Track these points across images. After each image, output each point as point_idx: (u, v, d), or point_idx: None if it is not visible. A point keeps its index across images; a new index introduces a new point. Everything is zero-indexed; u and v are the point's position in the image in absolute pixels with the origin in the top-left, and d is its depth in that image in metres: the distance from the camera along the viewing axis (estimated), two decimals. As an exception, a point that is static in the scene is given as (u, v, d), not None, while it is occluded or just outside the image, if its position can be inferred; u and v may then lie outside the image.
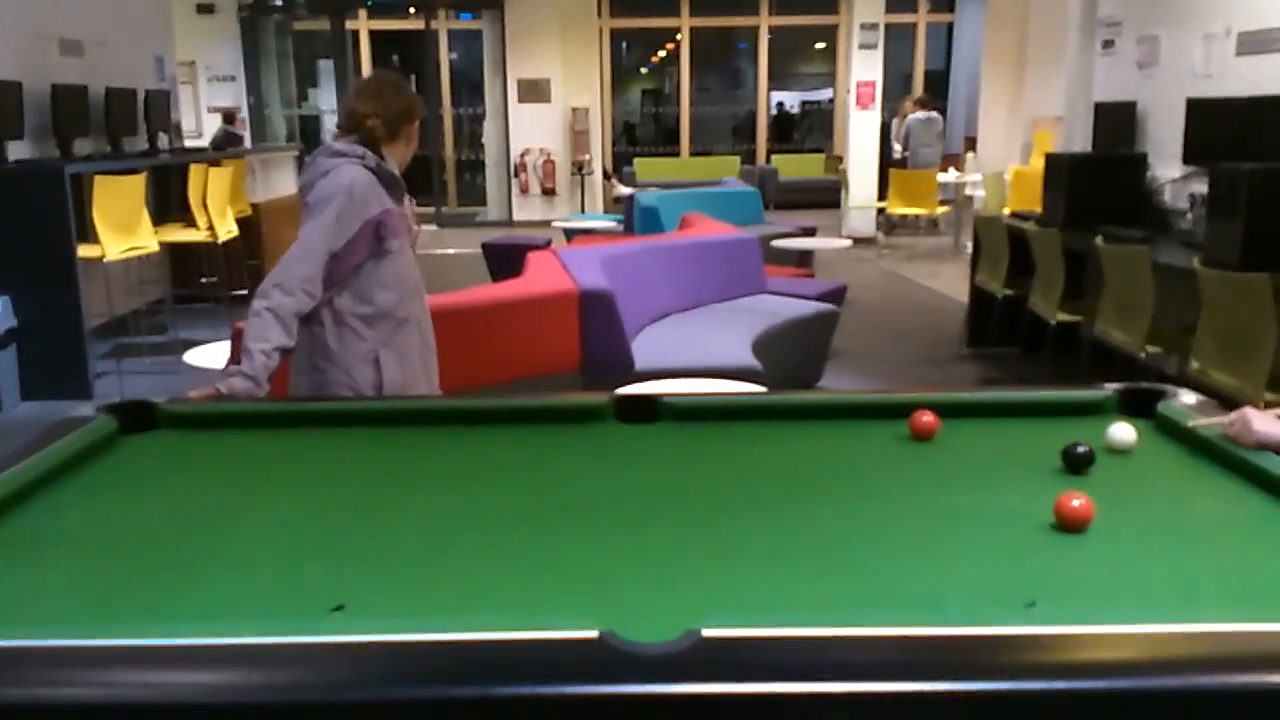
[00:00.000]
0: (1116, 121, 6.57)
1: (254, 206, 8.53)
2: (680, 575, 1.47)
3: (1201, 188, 5.34)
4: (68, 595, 1.43)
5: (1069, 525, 1.58)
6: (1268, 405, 3.89)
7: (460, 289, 4.56)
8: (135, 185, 6.51)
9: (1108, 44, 6.79)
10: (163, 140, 8.03)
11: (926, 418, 2.06)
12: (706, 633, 1.19)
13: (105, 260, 6.06)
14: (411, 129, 2.72)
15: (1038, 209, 6.41)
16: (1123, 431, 1.97)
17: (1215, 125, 5.59)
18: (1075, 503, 1.59)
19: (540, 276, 4.50)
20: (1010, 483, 1.84)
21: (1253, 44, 5.50)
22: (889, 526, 1.65)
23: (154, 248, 6.56)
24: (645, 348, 4.60)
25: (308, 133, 15.67)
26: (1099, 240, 5.16)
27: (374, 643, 1.20)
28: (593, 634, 1.19)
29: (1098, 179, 5.95)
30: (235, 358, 2.67)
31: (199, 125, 12.96)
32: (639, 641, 1.18)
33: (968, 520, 1.66)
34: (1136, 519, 1.65)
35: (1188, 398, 2.15)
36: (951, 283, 8.89)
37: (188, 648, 1.20)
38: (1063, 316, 5.54)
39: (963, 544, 1.57)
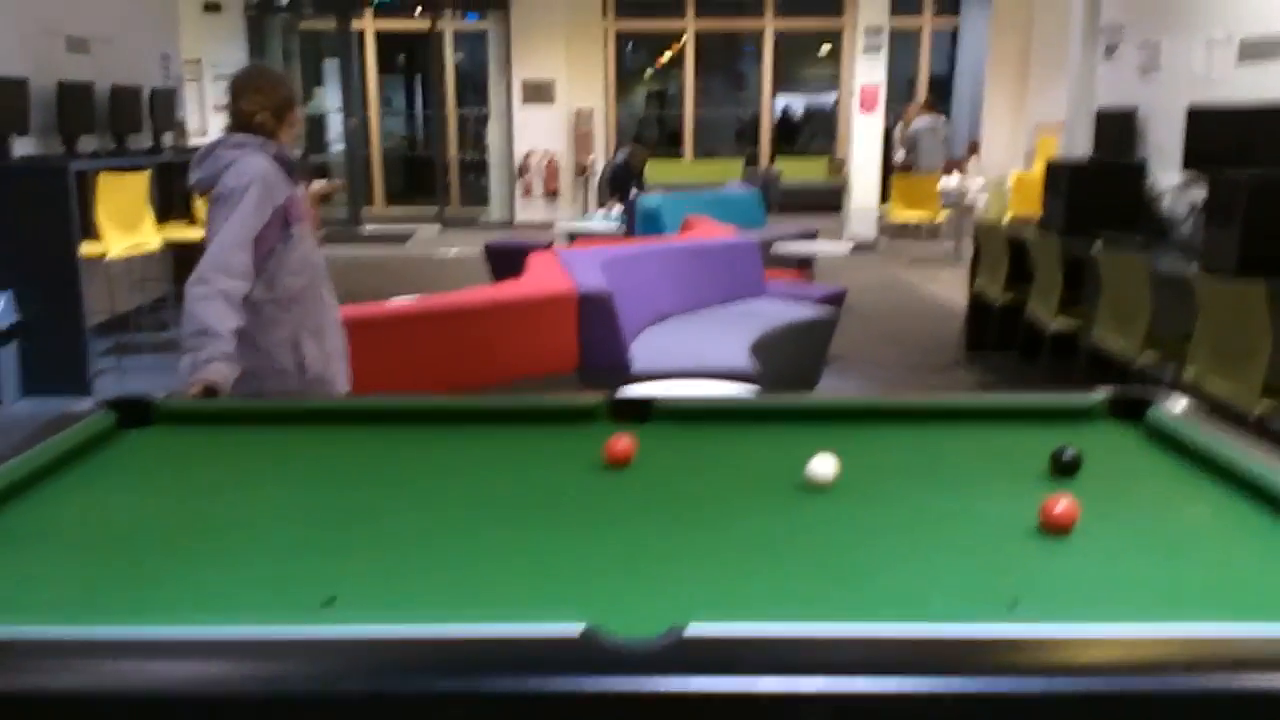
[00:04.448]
0: (1118, 128, 6.59)
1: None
2: (666, 573, 1.48)
3: (1200, 195, 5.35)
4: (61, 587, 1.45)
5: (1054, 528, 1.60)
6: (1261, 412, 3.90)
7: (462, 289, 4.59)
8: (139, 183, 6.54)
9: (1110, 50, 6.81)
10: (167, 138, 8.06)
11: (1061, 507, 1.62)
12: (691, 630, 1.21)
13: (108, 257, 6.08)
14: (294, 115, 2.84)
15: (1039, 215, 6.42)
16: (821, 465, 1.81)
17: (1215, 132, 5.61)
18: (1061, 506, 1.60)
19: (540, 278, 4.53)
20: (998, 486, 1.85)
21: (1255, 51, 5.51)
22: (876, 527, 1.66)
23: (156, 245, 6.58)
24: (644, 350, 4.61)
25: (313, 132, 15.70)
26: (1098, 247, 5.17)
27: (363, 637, 1.22)
28: (578, 630, 1.21)
29: (1098, 186, 5.97)
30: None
31: (204, 123, 12.99)
32: (624, 638, 1.20)
33: (954, 522, 1.68)
34: (1122, 522, 1.67)
35: (1178, 404, 2.16)
36: (951, 288, 8.89)
37: (177, 639, 1.22)
38: (1060, 323, 5.55)
39: (948, 545, 1.59)
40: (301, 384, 2.79)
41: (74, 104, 6.59)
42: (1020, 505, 1.69)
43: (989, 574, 1.48)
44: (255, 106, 2.75)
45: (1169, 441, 2.02)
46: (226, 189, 2.64)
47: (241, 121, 2.76)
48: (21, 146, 6.09)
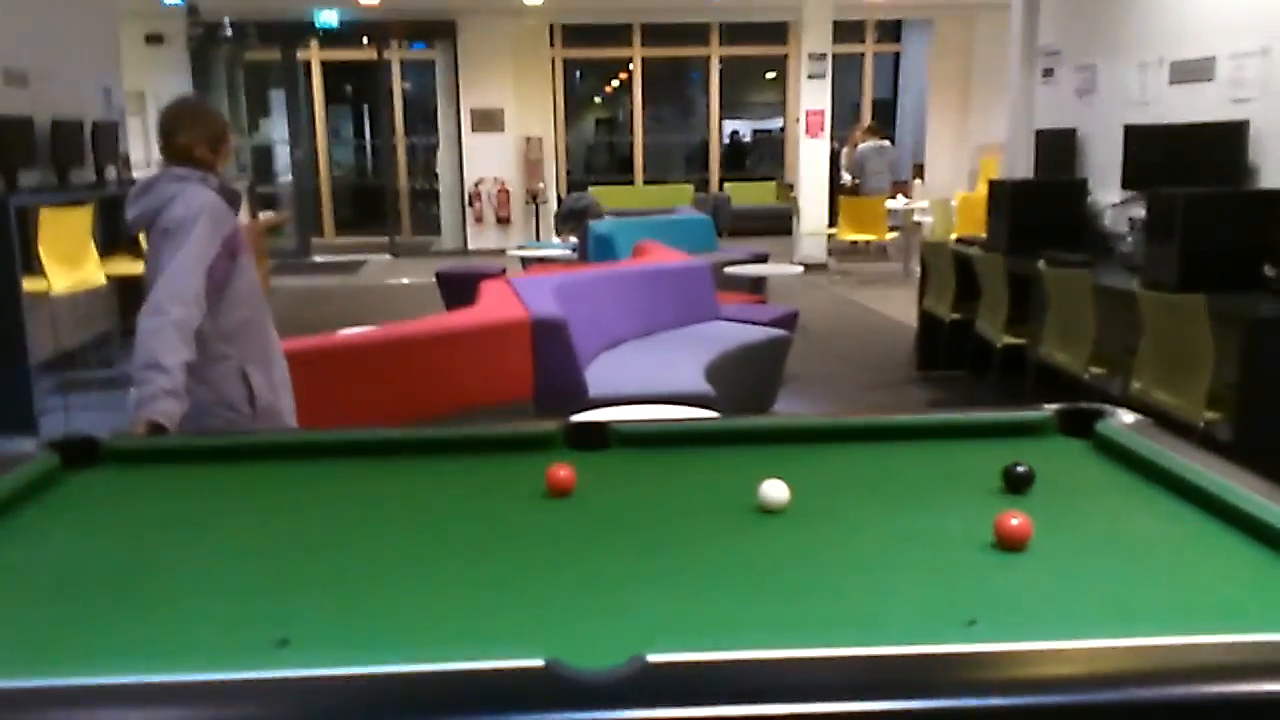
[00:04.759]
0: (1057, 148, 6.73)
1: (204, 238, 8.44)
2: (628, 602, 1.48)
3: (1140, 212, 5.48)
4: (5, 635, 1.40)
5: (1008, 544, 1.62)
6: (1207, 423, 3.99)
7: (414, 319, 4.55)
8: (82, 217, 6.43)
9: (1048, 73, 6.96)
10: (111, 172, 7.94)
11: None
12: (653, 658, 1.20)
13: (51, 293, 5.97)
14: (227, 146, 2.85)
15: (984, 234, 6.53)
16: (773, 488, 1.81)
17: (1151, 151, 5.75)
18: (1014, 521, 1.62)
19: (492, 305, 4.51)
20: (953, 503, 1.87)
21: (1184, 73, 5.68)
22: (834, 549, 1.67)
23: (101, 281, 6.47)
24: (599, 375, 4.61)
25: (259, 164, 15.57)
26: (1041, 264, 5.27)
27: (318, 676, 1.20)
28: (539, 662, 1.19)
29: (1040, 204, 6.09)
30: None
31: (148, 156, 12.83)
32: (586, 669, 1.18)
33: (911, 541, 1.69)
34: (1075, 536, 1.69)
35: (1126, 417, 2.20)
36: (901, 307, 9.01)
37: (128, 686, 1.19)
38: (1009, 339, 5.64)
39: (906, 564, 1.60)
40: (251, 416, 2.75)
41: (13, 138, 6.48)
42: (975, 522, 1.70)
43: (946, 592, 1.49)
44: (192, 140, 2.73)
45: (1118, 454, 2.05)
46: (174, 221, 2.61)
47: (178, 155, 2.74)
48: (-41, 182, 5.97)
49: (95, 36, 8.35)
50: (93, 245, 6.52)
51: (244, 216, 10.29)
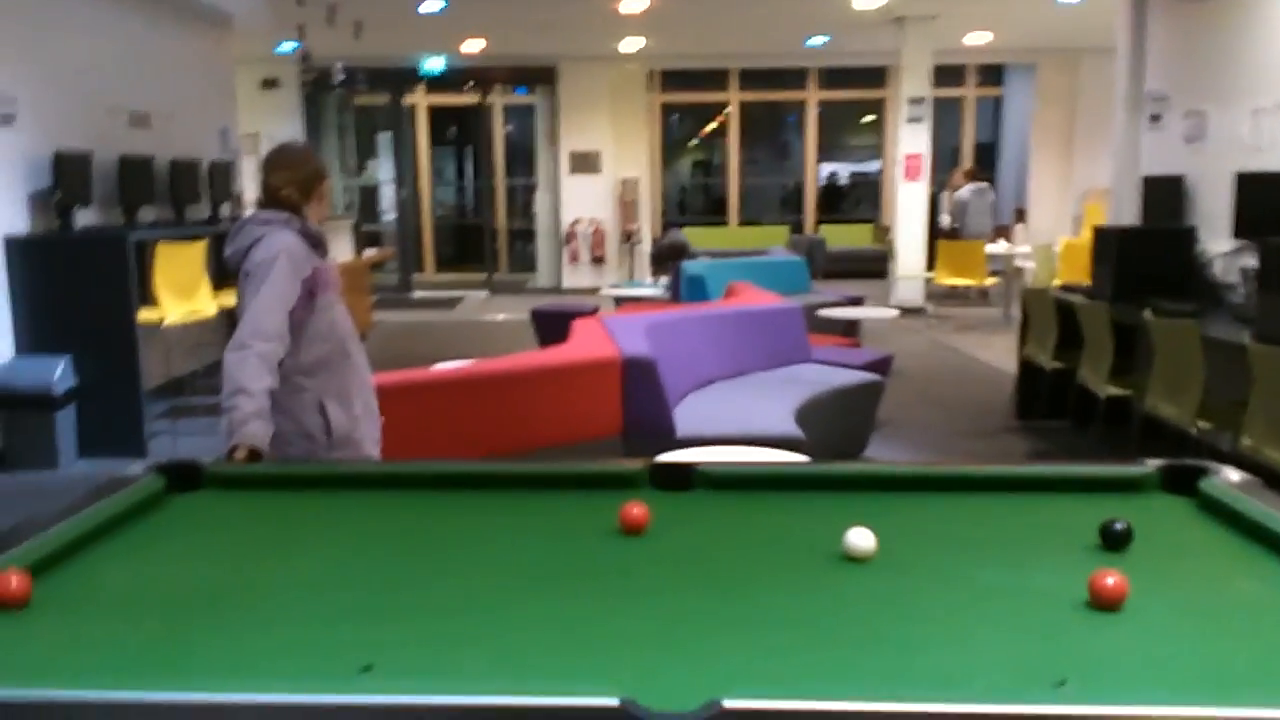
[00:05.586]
0: (1165, 195, 6.54)
1: (309, 272, 8.73)
2: (705, 644, 1.47)
3: (1252, 261, 5.28)
4: (104, 651, 1.46)
5: (1103, 603, 1.56)
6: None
7: (508, 355, 4.63)
8: (196, 252, 6.71)
9: (1155, 118, 6.79)
10: (225, 209, 8.29)
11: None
12: (729, 704, 1.19)
13: (165, 323, 6.23)
14: (322, 189, 2.94)
15: (1088, 281, 6.37)
16: (858, 537, 1.79)
17: (1265, 199, 5.55)
18: (1110, 580, 1.57)
19: (584, 343, 4.56)
20: (1046, 558, 1.81)
21: (1303, 118, 5.47)
22: (920, 600, 1.64)
23: (212, 312, 6.73)
24: (688, 415, 4.61)
25: (366, 203, 16.07)
26: (1148, 314, 5.11)
27: (400, 704, 1.22)
28: (614, 702, 1.20)
29: (1146, 252, 5.91)
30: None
31: (260, 194, 13.35)
32: (660, 710, 1.18)
33: (1001, 596, 1.64)
34: (1174, 598, 1.62)
35: (1232, 475, 2.12)
36: (1000, 354, 8.81)
37: (217, 704, 1.23)
38: (1112, 390, 5.47)
39: (995, 619, 1.55)
40: (328, 446, 2.84)
41: (134, 176, 6.81)
42: (1068, 578, 1.65)
43: (1036, 650, 1.44)
44: (282, 181, 2.86)
45: (1223, 514, 1.97)
46: (254, 264, 2.74)
47: (270, 196, 2.87)
48: (84, 217, 6.29)
49: (215, 81, 8.76)
50: (206, 278, 6.80)
51: (348, 253, 10.64)
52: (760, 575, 1.74)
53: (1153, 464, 2.21)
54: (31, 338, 5.86)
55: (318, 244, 2.87)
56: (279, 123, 13.99)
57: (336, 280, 2.95)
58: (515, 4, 10.41)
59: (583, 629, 1.52)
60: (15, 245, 5.79)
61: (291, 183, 2.86)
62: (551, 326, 7.07)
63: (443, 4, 10.15)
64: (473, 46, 13.10)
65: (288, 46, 11.92)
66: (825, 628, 1.53)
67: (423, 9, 10.20)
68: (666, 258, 10.42)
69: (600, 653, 1.44)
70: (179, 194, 7.44)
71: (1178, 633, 1.51)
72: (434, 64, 14.06)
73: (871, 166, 17.06)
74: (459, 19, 11.15)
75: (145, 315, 6.10)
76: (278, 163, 2.90)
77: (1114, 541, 1.82)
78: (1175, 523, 2.00)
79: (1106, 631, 1.51)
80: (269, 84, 13.90)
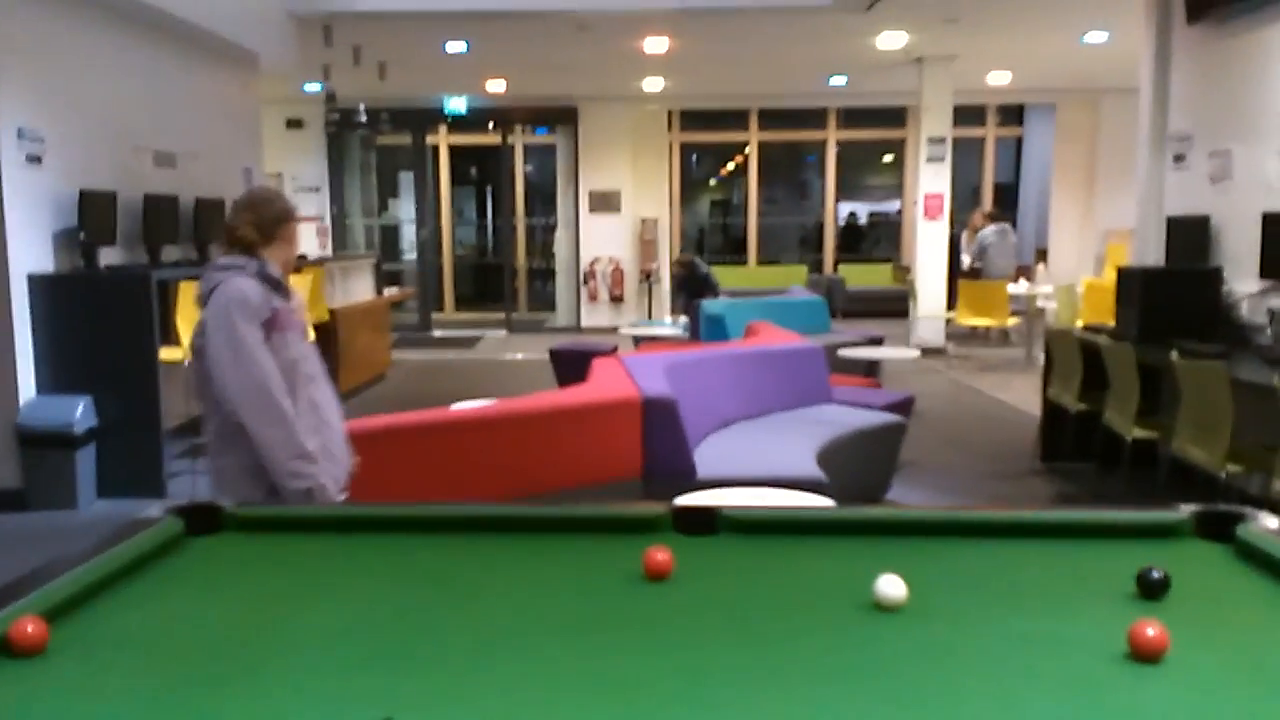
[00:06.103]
0: (1189, 235, 6.48)
1: (332, 312, 8.79)
2: (732, 696, 1.43)
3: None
4: (120, 700, 1.44)
5: (1144, 654, 1.51)
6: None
7: (526, 394, 4.61)
8: (218, 290, 6.74)
9: (1179, 158, 6.75)
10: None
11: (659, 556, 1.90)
12: (758, 760, 1.15)
13: (186, 362, 6.25)
14: (287, 231, 2.96)
15: (1111, 321, 6.31)
16: (890, 585, 1.75)
17: (1293, 239, 5.49)
18: (1150, 631, 1.52)
19: (604, 383, 4.53)
20: (1082, 607, 1.77)
21: (1329, 158, 5.43)
22: (956, 651, 1.59)
23: (233, 350, 6.75)
24: (708, 456, 4.57)
25: (387, 241, 16.18)
26: (1174, 355, 5.05)
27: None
28: (640, 757, 1.16)
29: (1172, 293, 5.86)
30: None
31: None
32: (688, 767, 1.14)
33: (1036, 647, 1.60)
34: (1215, 649, 1.57)
35: (1270, 521, 2.06)
36: (1023, 395, 8.74)
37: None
38: (1139, 433, 5.39)
39: (1030, 671, 1.51)
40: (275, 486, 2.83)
41: (159, 215, 6.87)
42: (1107, 628, 1.60)
43: (1079, 704, 1.40)
44: (240, 222, 2.90)
45: (1262, 562, 1.92)
46: (209, 314, 2.81)
47: (229, 235, 2.92)
48: (108, 256, 6.34)
49: (240, 121, 8.86)
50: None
51: (369, 292, 10.69)
52: (790, 625, 1.70)
53: (1186, 509, 2.16)
54: (53, 376, 5.88)
55: (277, 286, 2.90)
56: (303, 163, 14.16)
57: (299, 321, 2.97)
58: (537, 45, 10.52)
59: (607, 681, 1.48)
60: (39, 283, 5.83)
61: (250, 223, 2.90)
62: (570, 366, 7.05)
63: (466, 45, 10.27)
64: (495, 87, 13.24)
65: (313, 86, 12.07)
66: (855, 679, 1.48)
67: (448, 49, 10.32)
68: (688, 285, 10.40)
69: (628, 706, 1.40)
70: (203, 233, 7.50)
71: (1223, 686, 1.45)
72: (456, 104, 14.21)
73: (891, 206, 17.08)
74: (482, 59, 11.28)
75: (166, 354, 6.12)
76: (242, 204, 2.96)
77: (1152, 590, 1.77)
78: (1213, 570, 1.95)
79: (1150, 685, 1.46)
80: (294, 124, 14.07)
